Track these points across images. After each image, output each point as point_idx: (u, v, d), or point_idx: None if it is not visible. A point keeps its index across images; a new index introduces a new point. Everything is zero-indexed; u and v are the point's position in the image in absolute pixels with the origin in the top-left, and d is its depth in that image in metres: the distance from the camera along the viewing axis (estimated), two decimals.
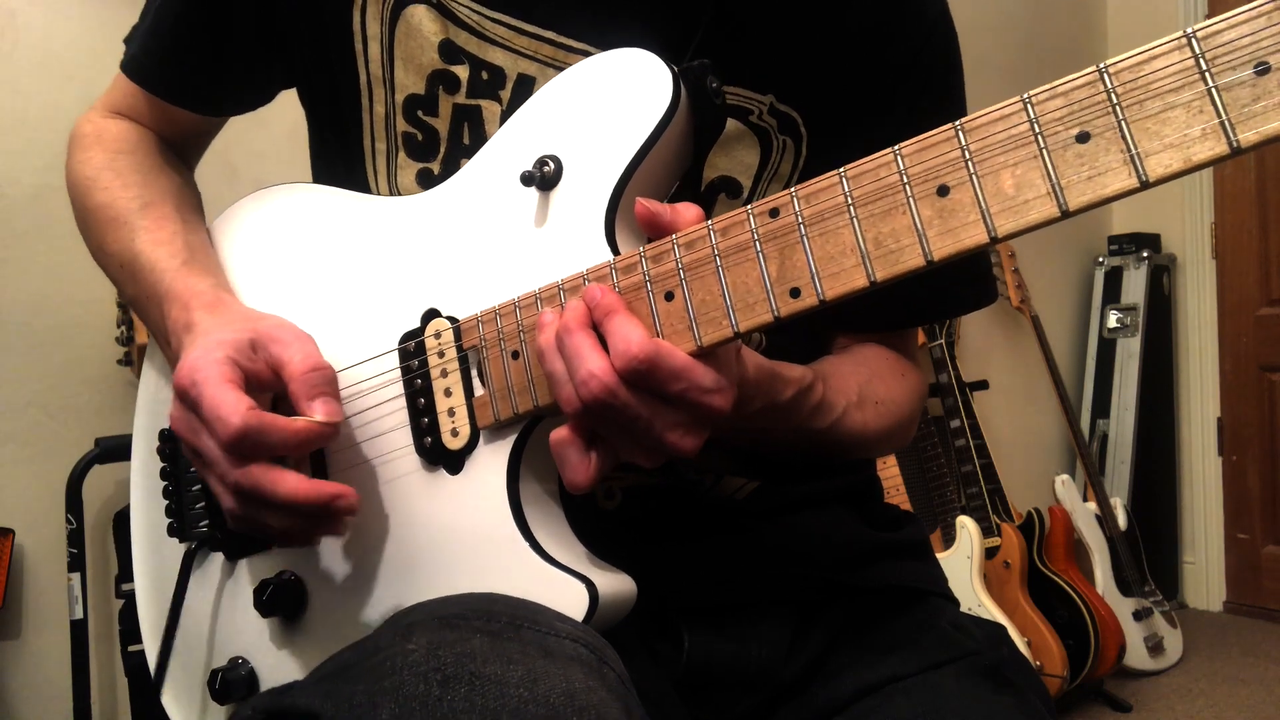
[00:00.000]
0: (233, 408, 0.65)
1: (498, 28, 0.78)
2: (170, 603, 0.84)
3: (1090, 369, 3.56)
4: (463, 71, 0.79)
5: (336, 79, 0.83)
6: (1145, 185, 0.47)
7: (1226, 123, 0.44)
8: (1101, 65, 0.47)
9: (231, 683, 0.78)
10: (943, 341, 2.76)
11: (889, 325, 0.90)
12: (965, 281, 0.90)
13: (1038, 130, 0.49)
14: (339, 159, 0.86)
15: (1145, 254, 3.49)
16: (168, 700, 0.86)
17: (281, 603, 0.77)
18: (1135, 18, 3.70)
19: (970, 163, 0.51)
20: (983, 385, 3.05)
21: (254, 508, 0.68)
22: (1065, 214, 0.49)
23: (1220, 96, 0.45)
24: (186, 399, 0.68)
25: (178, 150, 0.99)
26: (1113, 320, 3.50)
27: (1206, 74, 0.45)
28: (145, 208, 0.87)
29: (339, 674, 0.56)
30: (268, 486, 0.66)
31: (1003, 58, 3.26)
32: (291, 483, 0.66)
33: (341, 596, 0.76)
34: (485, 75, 0.79)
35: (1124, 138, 0.47)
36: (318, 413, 0.69)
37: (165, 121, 0.96)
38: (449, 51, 0.79)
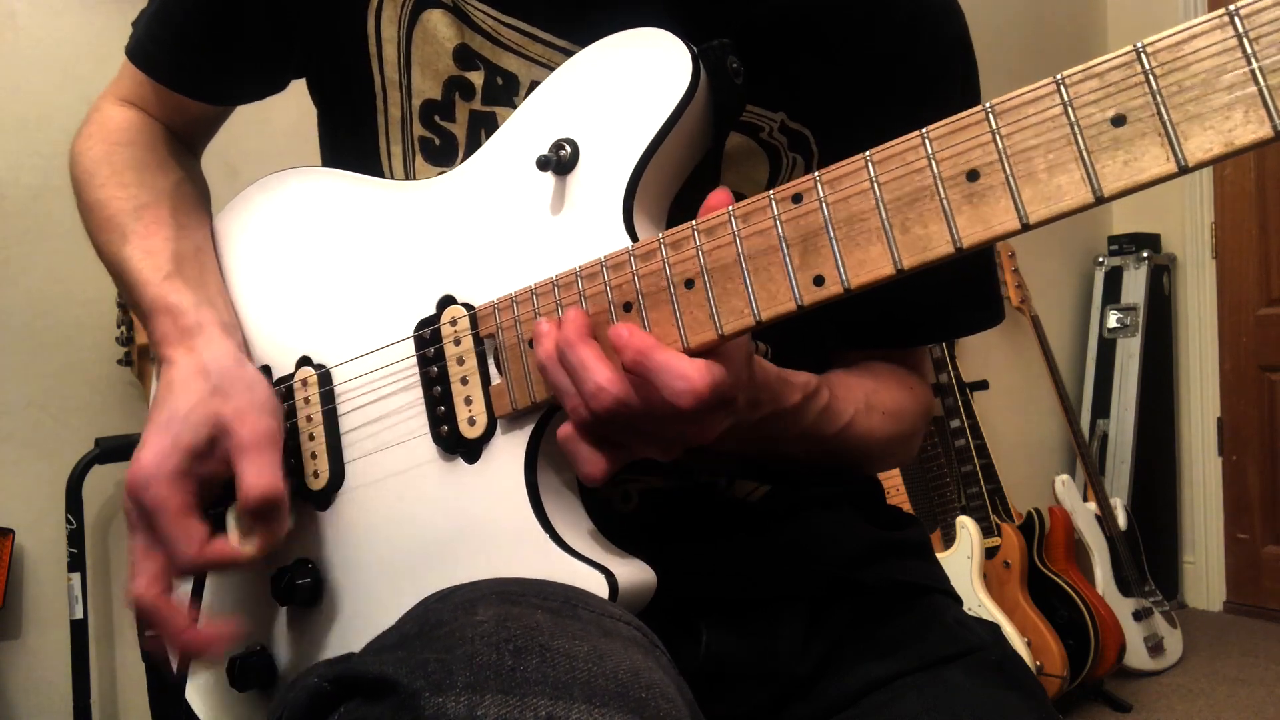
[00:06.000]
0: (188, 543, 0.70)
1: (512, 33, 0.78)
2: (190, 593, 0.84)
3: (1090, 369, 3.56)
4: (477, 78, 0.79)
5: (349, 79, 0.82)
6: (1184, 170, 0.45)
7: (1271, 105, 0.43)
8: (1139, 44, 0.45)
9: (250, 669, 0.78)
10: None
11: (898, 343, 0.91)
12: (977, 305, 0.90)
13: (1071, 113, 0.47)
14: (353, 155, 0.85)
15: (1145, 254, 3.49)
16: (191, 694, 0.85)
17: (298, 590, 0.76)
18: (1135, 14, 3.70)
19: (1001, 147, 0.49)
20: (983, 385, 3.04)
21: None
22: (1100, 200, 0.47)
23: (1264, 77, 0.43)
24: (141, 506, 0.71)
25: (185, 139, 0.98)
26: (1113, 320, 3.50)
27: (1251, 55, 0.43)
28: (139, 210, 0.85)
29: (403, 644, 0.55)
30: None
31: (1001, 59, 3.25)
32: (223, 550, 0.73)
33: (357, 584, 0.76)
34: (500, 81, 0.78)
35: (1162, 121, 0.45)
36: (248, 546, 0.73)
37: (172, 109, 0.94)
38: (464, 57, 0.79)
